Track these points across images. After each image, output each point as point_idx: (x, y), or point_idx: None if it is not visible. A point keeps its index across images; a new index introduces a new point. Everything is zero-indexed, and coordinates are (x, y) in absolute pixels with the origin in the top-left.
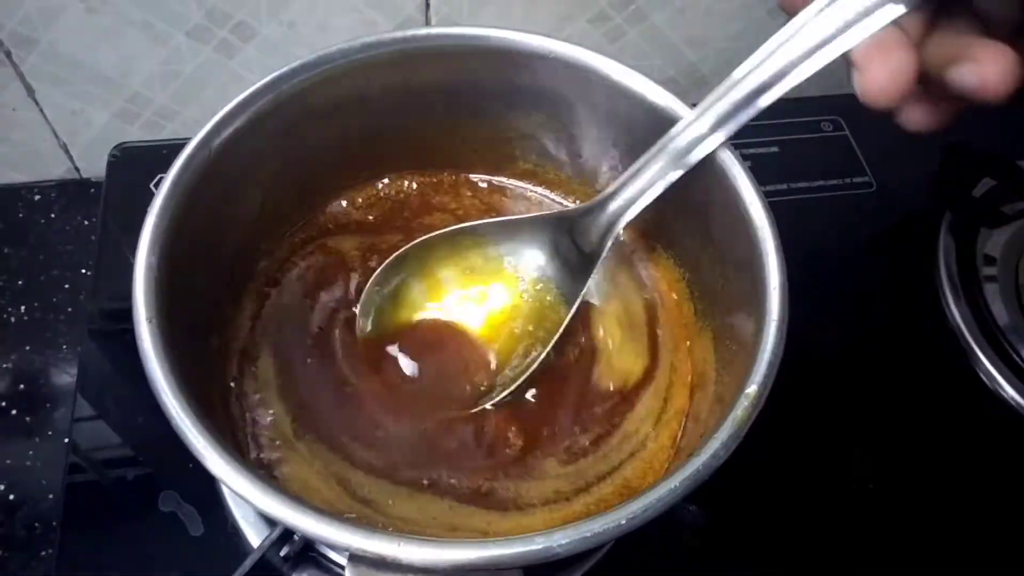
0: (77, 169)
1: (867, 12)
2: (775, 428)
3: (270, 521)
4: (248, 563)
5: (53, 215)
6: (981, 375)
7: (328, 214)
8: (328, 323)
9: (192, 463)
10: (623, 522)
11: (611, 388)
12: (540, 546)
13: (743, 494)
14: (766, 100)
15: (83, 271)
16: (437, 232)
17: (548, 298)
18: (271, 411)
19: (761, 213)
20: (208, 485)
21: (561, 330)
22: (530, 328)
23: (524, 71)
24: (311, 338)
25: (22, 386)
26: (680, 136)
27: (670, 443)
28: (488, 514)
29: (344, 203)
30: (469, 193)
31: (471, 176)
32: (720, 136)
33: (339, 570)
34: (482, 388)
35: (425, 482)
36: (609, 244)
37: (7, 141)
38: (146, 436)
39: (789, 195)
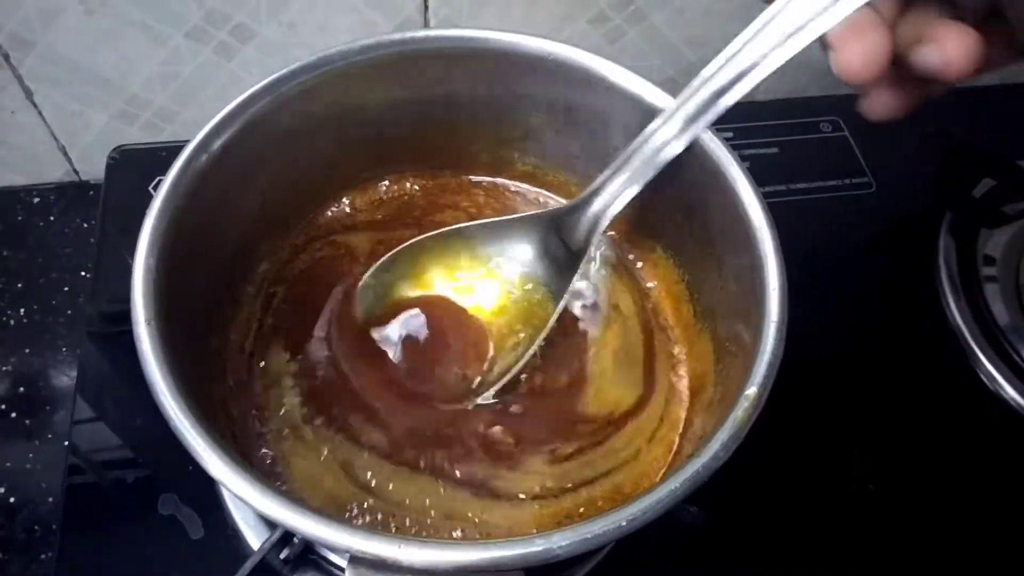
0: (76, 171)
1: None
2: (775, 429)
3: (270, 524)
4: (248, 566)
5: (52, 217)
6: (981, 375)
7: (329, 215)
8: (337, 316)
9: (192, 465)
10: (623, 523)
11: (601, 413)
12: (540, 548)
13: (743, 495)
14: (743, 87)
15: (82, 273)
16: (427, 234)
17: (537, 296)
18: (283, 401)
19: (760, 214)
20: (208, 487)
21: (550, 325)
22: (520, 325)
23: (523, 73)
24: (321, 330)
25: (22, 389)
26: (678, 111)
27: (665, 452)
28: (480, 502)
29: (346, 205)
30: (469, 194)
31: (472, 177)
32: (702, 123)
33: (339, 572)
34: (476, 382)
35: (422, 464)
36: (595, 240)
37: (6, 144)
38: (146, 438)
39: (788, 196)
